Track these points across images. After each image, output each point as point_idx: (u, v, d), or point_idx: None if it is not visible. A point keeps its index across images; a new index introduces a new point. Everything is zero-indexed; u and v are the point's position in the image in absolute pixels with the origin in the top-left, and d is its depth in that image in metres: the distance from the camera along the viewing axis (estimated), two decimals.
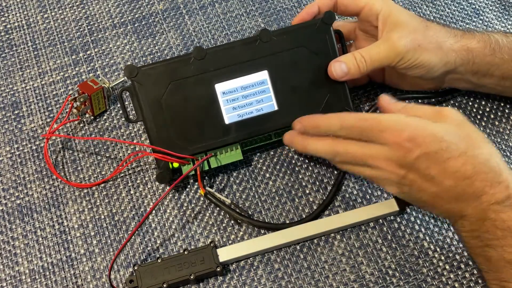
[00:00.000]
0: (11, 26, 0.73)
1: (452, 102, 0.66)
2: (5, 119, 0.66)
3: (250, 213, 0.60)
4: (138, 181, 0.62)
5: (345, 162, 0.55)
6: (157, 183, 0.62)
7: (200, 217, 0.60)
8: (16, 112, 0.67)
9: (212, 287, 0.56)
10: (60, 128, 0.65)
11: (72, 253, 0.58)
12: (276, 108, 0.59)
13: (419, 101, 0.65)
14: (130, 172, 0.63)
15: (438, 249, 0.57)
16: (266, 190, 0.61)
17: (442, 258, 0.56)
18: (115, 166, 0.63)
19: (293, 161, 0.63)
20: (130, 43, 0.71)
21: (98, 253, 0.58)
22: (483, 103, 0.65)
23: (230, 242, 0.58)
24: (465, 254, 0.56)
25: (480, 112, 0.65)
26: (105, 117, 0.66)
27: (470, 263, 0.56)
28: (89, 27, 0.73)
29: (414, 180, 0.50)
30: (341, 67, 0.58)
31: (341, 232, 0.58)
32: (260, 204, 0.60)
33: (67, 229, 0.59)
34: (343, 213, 0.59)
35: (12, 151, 0.64)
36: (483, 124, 0.64)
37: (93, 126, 0.65)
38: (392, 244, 0.57)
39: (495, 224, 0.47)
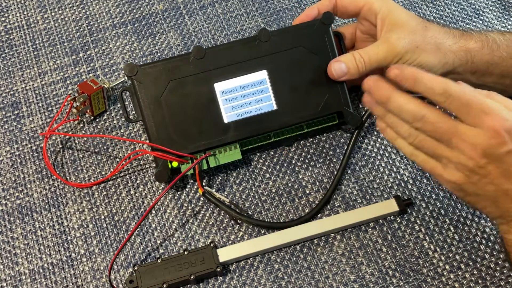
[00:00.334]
0: (11, 26, 0.73)
1: None
2: (5, 119, 0.66)
3: (250, 213, 0.60)
4: (138, 181, 0.62)
5: (423, 132, 0.49)
6: (157, 183, 0.62)
7: (200, 217, 0.60)
8: (16, 112, 0.67)
9: (212, 287, 0.56)
10: (60, 127, 0.65)
11: (72, 253, 0.58)
12: (275, 107, 0.59)
13: None
14: (130, 172, 0.63)
15: (438, 249, 0.57)
16: (266, 190, 0.61)
17: (442, 258, 0.56)
18: (115, 166, 0.63)
19: (293, 161, 0.63)
20: (130, 43, 0.71)
21: (98, 253, 0.58)
22: None
23: (230, 242, 0.58)
24: (465, 254, 0.56)
25: None
26: (105, 117, 0.66)
27: (470, 263, 0.56)
28: (89, 27, 0.73)
29: (491, 173, 0.47)
30: (340, 66, 0.58)
31: (341, 232, 0.58)
32: (260, 204, 0.60)
33: (67, 229, 0.60)
34: (343, 213, 0.59)
35: (12, 151, 0.64)
36: None
37: (92, 126, 0.65)
38: (392, 244, 0.57)
39: None
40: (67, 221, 0.60)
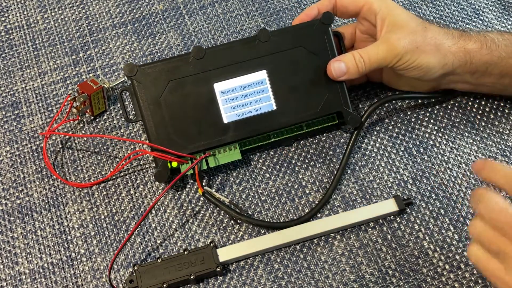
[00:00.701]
0: (11, 26, 0.73)
1: (452, 102, 0.65)
2: (5, 119, 0.66)
3: (250, 213, 0.60)
4: (138, 181, 0.62)
5: (493, 219, 0.45)
6: (157, 183, 0.62)
7: (200, 217, 0.60)
8: (16, 112, 0.67)
9: (212, 287, 0.56)
10: (60, 127, 0.65)
11: (72, 253, 0.58)
12: (274, 107, 0.59)
13: (419, 101, 0.65)
14: (130, 172, 0.63)
15: (438, 249, 0.57)
16: (266, 190, 0.61)
17: (442, 258, 0.56)
18: (115, 166, 0.63)
19: (293, 161, 0.63)
20: (130, 43, 0.71)
21: (98, 253, 0.58)
22: (483, 103, 0.65)
23: (230, 242, 0.58)
24: (465, 254, 0.56)
25: (480, 112, 0.65)
26: (104, 117, 0.66)
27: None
28: (89, 27, 0.73)
29: None
30: (340, 66, 0.58)
31: (341, 232, 0.58)
32: (260, 204, 0.60)
33: (67, 229, 0.60)
34: (343, 213, 0.59)
35: (12, 151, 0.64)
36: (483, 124, 0.64)
37: (92, 126, 0.65)
38: (392, 244, 0.57)
39: None
40: (67, 221, 0.60)
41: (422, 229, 0.58)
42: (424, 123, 0.64)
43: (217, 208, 0.60)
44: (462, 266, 0.56)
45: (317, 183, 0.61)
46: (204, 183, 0.61)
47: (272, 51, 0.59)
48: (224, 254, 0.56)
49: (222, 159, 0.59)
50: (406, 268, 0.56)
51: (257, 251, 0.57)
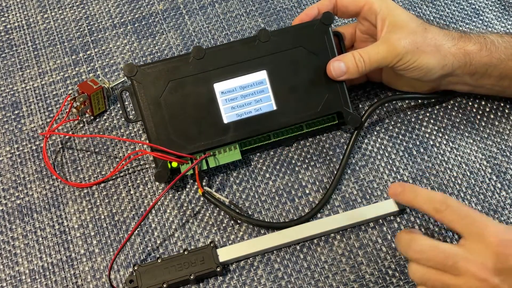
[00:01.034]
0: (11, 26, 0.73)
1: (452, 102, 0.66)
2: (5, 119, 0.66)
3: (250, 213, 0.60)
4: (138, 181, 0.62)
5: (427, 260, 0.48)
6: (157, 183, 0.62)
7: (200, 217, 0.60)
8: (16, 112, 0.67)
9: (212, 287, 0.56)
10: (60, 127, 0.65)
11: (72, 253, 0.58)
12: (274, 108, 0.59)
13: (419, 101, 0.65)
14: (130, 172, 0.63)
15: None
16: (266, 190, 0.61)
17: None
18: (115, 166, 0.63)
19: (293, 161, 0.63)
20: (130, 43, 0.71)
21: (98, 253, 0.58)
22: (483, 103, 0.65)
23: (230, 242, 0.58)
24: None
25: (480, 112, 0.65)
26: (104, 117, 0.66)
27: None
28: (89, 27, 0.73)
29: None
30: (340, 66, 0.58)
31: (341, 232, 0.58)
32: (260, 204, 0.60)
33: (67, 229, 0.60)
34: (343, 213, 0.59)
35: (12, 151, 0.64)
36: (483, 124, 0.64)
37: (92, 126, 0.65)
38: (392, 244, 0.57)
39: None
40: (67, 221, 0.60)
41: (422, 229, 0.58)
42: (424, 123, 0.64)
43: (217, 208, 0.60)
44: None
45: (317, 183, 0.61)
46: (204, 183, 0.61)
47: (272, 51, 0.59)
48: (224, 254, 0.56)
49: (222, 159, 0.59)
50: (406, 268, 0.56)
51: (257, 251, 0.57)
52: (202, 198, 0.61)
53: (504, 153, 0.62)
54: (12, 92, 0.68)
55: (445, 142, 0.63)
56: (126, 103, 0.66)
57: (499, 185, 0.60)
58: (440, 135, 0.63)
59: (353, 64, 0.58)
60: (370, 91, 0.66)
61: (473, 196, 0.60)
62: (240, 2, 0.74)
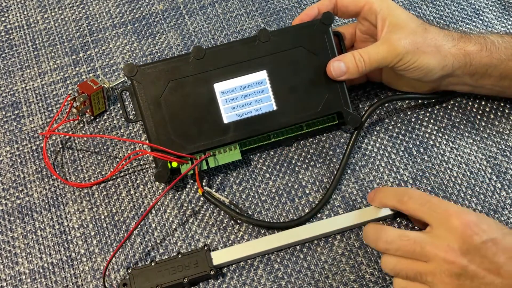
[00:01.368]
0: (11, 26, 0.73)
1: (452, 102, 0.66)
2: (5, 119, 0.66)
3: (250, 213, 0.60)
4: (138, 181, 0.62)
5: (396, 250, 0.51)
6: (157, 183, 0.62)
7: (200, 217, 0.60)
8: (16, 112, 0.67)
9: (212, 287, 0.56)
10: (60, 127, 0.65)
11: (72, 253, 0.58)
12: (274, 108, 0.59)
13: (419, 101, 0.65)
14: (130, 172, 0.63)
15: None
16: (266, 190, 0.61)
17: None
18: (115, 166, 0.63)
19: (293, 161, 0.63)
20: (130, 43, 0.71)
21: (98, 253, 0.58)
22: (483, 103, 0.65)
23: (230, 242, 0.58)
24: None
25: (480, 112, 0.65)
26: (105, 117, 0.66)
27: None
28: (89, 27, 0.73)
29: (477, 272, 0.47)
30: (340, 66, 0.58)
31: (341, 232, 0.58)
32: (260, 204, 0.60)
33: (67, 229, 0.60)
34: (343, 214, 0.59)
35: (12, 151, 0.64)
36: (483, 124, 0.64)
37: (92, 126, 0.65)
38: None
39: None
40: (67, 221, 0.60)
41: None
42: (424, 123, 0.64)
43: (217, 208, 0.60)
44: None
45: (317, 183, 0.61)
46: (204, 183, 0.61)
47: (272, 51, 0.59)
48: (218, 257, 0.56)
49: (222, 159, 0.59)
50: None
51: (251, 254, 0.56)
52: (202, 198, 0.61)
53: (504, 153, 0.62)
54: (12, 92, 0.68)
55: (445, 142, 0.63)
56: (126, 103, 0.66)
57: (499, 185, 0.60)
58: (440, 135, 0.63)
59: (353, 64, 0.58)
60: (370, 91, 0.66)
61: (473, 196, 0.60)
62: (240, 2, 0.74)
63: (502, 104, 0.65)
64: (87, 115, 0.66)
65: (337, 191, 0.61)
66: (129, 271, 0.55)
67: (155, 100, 0.58)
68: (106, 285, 0.56)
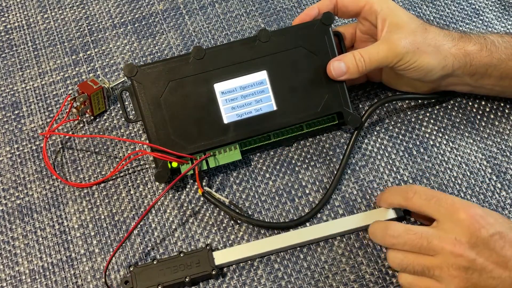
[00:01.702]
0: (11, 26, 0.73)
1: (452, 102, 0.66)
2: (5, 119, 0.66)
3: (250, 213, 0.60)
4: (138, 181, 0.62)
5: (403, 244, 0.51)
6: (157, 183, 0.62)
7: (199, 217, 0.60)
8: (16, 112, 0.67)
9: (212, 287, 0.56)
10: (60, 127, 0.65)
11: (72, 253, 0.58)
12: (275, 108, 0.59)
13: (419, 101, 0.65)
14: (130, 172, 0.63)
15: None
16: (266, 190, 0.61)
17: None
18: (115, 166, 0.63)
19: (293, 161, 0.63)
20: (130, 43, 0.71)
21: (98, 253, 0.58)
22: (483, 103, 0.65)
23: (230, 242, 0.58)
24: None
25: (480, 112, 0.65)
26: (105, 117, 0.66)
27: None
28: (89, 27, 0.73)
29: (485, 266, 0.47)
30: (340, 66, 0.58)
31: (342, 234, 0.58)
32: (260, 204, 0.60)
33: (67, 229, 0.60)
34: (346, 217, 0.58)
35: (12, 151, 0.64)
36: (483, 124, 0.64)
37: (93, 126, 0.65)
38: None
39: None
40: (67, 221, 0.60)
41: None
42: (424, 123, 0.64)
43: (217, 209, 0.60)
44: None
45: (317, 183, 0.61)
46: (204, 183, 0.61)
47: (272, 51, 0.59)
48: (220, 257, 0.56)
49: (222, 160, 0.59)
50: None
51: (253, 254, 0.56)
52: (202, 198, 0.61)
53: (504, 153, 0.62)
54: (12, 92, 0.68)
55: (445, 142, 0.63)
56: (126, 103, 0.66)
57: (499, 185, 0.60)
58: (440, 135, 0.63)
59: (353, 64, 0.58)
60: (370, 91, 0.66)
61: (473, 196, 0.60)
62: (240, 2, 0.74)
63: (502, 104, 0.65)
64: (87, 115, 0.66)
65: (337, 191, 0.61)
66: (131, 269, 0.55)
67: (155, 100, 0.58)
68: (107, 284, 0.56)
